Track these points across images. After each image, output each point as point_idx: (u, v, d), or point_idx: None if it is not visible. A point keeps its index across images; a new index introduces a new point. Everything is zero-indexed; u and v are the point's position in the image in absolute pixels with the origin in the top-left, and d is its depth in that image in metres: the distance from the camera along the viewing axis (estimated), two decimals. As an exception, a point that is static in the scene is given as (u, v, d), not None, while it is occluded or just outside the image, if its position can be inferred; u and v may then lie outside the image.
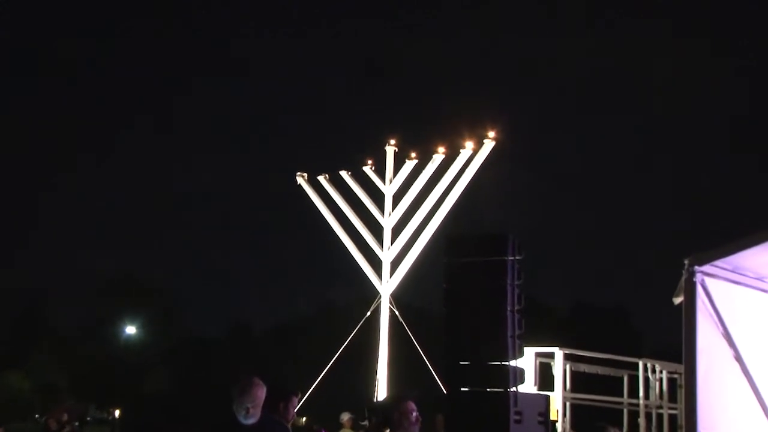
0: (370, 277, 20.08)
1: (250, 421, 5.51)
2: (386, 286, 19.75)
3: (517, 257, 10.75)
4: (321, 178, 21.23)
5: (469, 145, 19.24)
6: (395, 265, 19.86)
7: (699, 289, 7.53)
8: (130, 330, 44.63)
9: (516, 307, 9.84)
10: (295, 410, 6.44)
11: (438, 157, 19.73)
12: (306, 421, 28.99)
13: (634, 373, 15.32)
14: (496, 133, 19.04)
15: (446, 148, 19.70)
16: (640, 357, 15.84)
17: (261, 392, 5.54)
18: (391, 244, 19.92)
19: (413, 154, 20.12)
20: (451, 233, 18.69)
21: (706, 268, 7.59)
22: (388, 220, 20.10)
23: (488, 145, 19.03)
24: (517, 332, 9.49)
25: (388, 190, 20.25)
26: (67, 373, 45.31)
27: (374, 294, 19.88)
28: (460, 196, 19.37)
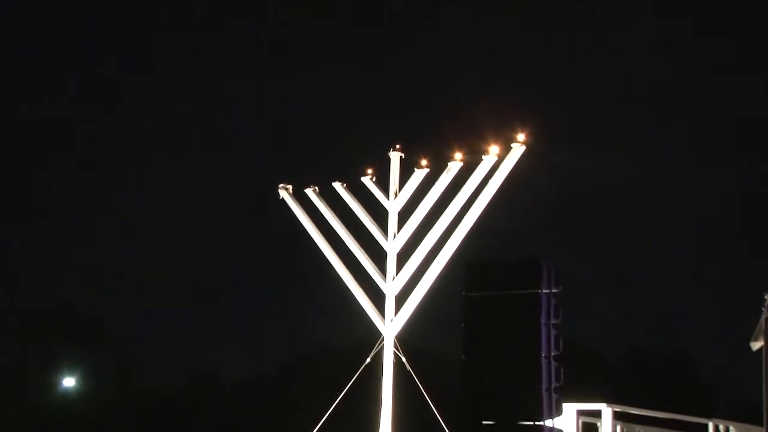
0: (370, 315, 20.15)
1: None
2: (390, 326, 19.80)
3: (553, 290, 10.89)
4: (309, 191, 21.42)
5: (493, 150, 19.35)
6: (401, 299, 19.91)
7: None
8: (68, 382, 44.56)
9: (552, 353, 9.97)
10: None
11: (454, 166, 19.89)
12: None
13: (702, 436, 15.35)
14: (527, 135, 19.13)
15: (464, 153, 19.85)
16: (709, 417, 15.90)
17: None
18: (397, 273, 20.00)
19: (424, 162, 20.30)
20: (471, 260, 18.79)
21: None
22: (392, 244, 20.22)
23: (517, 150, 19.11)
24: (554, 384, 9.61)
25: (393, 205, 20.41)
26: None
27: (375, 335, 19.92)
28: (482, 214, 19.42)
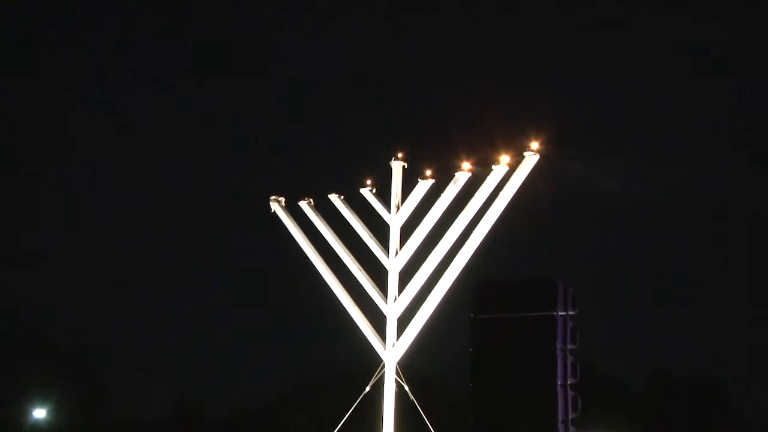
0: (369, 339, 20.18)
1: None
2: (391, 351, 19.81)
3: (570, 312, 10.93)
4: (303, 204, 21.50)
5: (504, 160, 19.41)
6: (404, 322, 19.93)
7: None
8: (39, 413, 44.46)
9: (569, 381, 10.02)
10: None
11: (462, 176, 19.95)
12: None
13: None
14: (541, 144, 19.17)
15: (473, 163, 19.92)
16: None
17: None
18: (399, 293, 20.03)
19: (428, 172, 20.37)
20: (481, 280, 18.81)
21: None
22: (394, 261, 20.26)
23: (530, 159, 19.13)
24: (571, 415, 9.66)
25: (395, 220, 20.48)
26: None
27: (375, 361, 19.94)
28: (492, 229, 19.43)
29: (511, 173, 19.31)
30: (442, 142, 20.90)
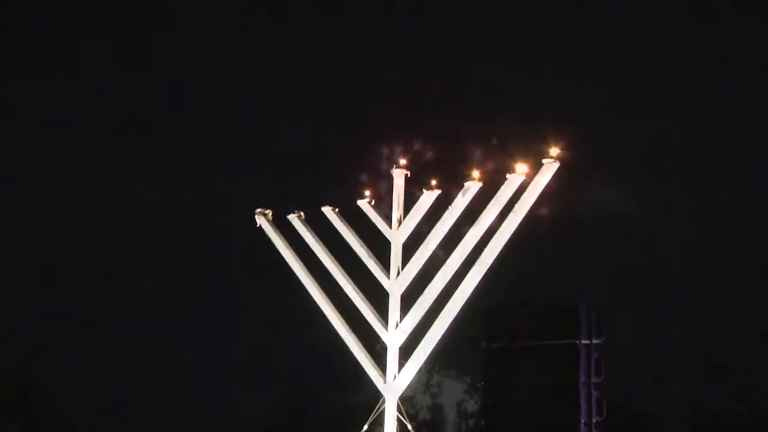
0: (367, 371, 20.11)
1: None
2: (392, 384, 19.74)
3: (594, 341, 10.92)
4: (293, 218, 21.44)
5: (520, 169, 19.32)
6: (407, 352, 19.84)
7: None
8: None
9: (594, 419, 10.00)
10: None
11: (472, 186, 19.90)
12: None
13: None
14: (562, 149, 19.12)
15: (483, 171, 19.86)
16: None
17: None
18: (401, 319, 19.94)
19: (433, 182, 20.34)
20: (493, 305, 18.72)
21: None
22: (394, 283, 20.20)
23: (550, 167, 19.03)
24: (594, 458, 9.64)
25: (396, 236, 20.43)
26: None
27: (375, 396, 19.90)
28: (506, 247, 19.32)
29: (528, 183, 19.20)
30: (449, 148, 20.80)
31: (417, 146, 20.53)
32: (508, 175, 19.42)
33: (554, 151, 18.91)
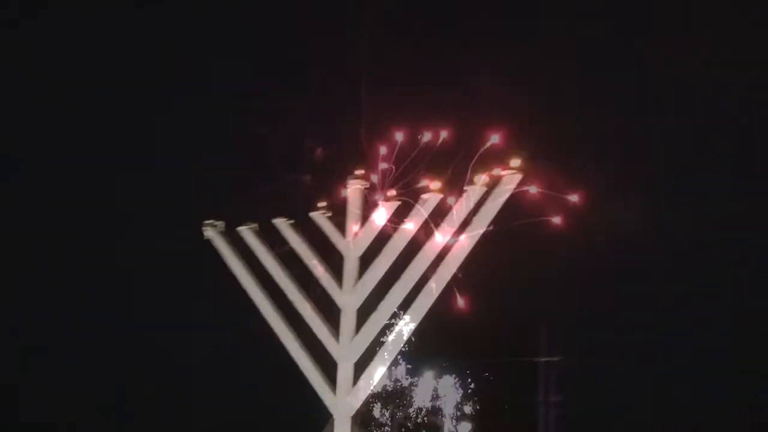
0: (316, 388, 19.93)
1: None
2: (343, 402, 19.59)
3: (554, 359, 10.82)
4: (244, 230, 21.19)
5: (480, 180, 19.28)
6: (360, 368, 19.76)
7: None
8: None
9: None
10: None
11: (431, 198, 19.74)
12: None
13: None
14: (525, 160, 19.03)
15: (444, 183, 19.67)
16: None
17: None
18: (355, 334, 19.84)
19: (392, 193, 20.10)
20: (451, 320, 18.59)
21: None
22: (349, 298, 20.06)
23: (510, 179, 19.02)
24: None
25: (351, 249, 20.32)
26: None
27: (323, 415, 19.72)
28: (465, 260, 19.29)
29: (488, 195, 19.22)
30: (409, 158, 20.69)
31: (375, 155, 20.38)
32: (466, 187, 19.32)
33: (515, 161, 18.87)
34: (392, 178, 20.21)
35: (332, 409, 19.67)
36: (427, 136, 19.43)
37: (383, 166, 19.89)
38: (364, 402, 19.52)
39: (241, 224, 21.41)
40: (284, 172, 20.81)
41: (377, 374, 19.55)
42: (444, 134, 19.38)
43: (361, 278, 20.13)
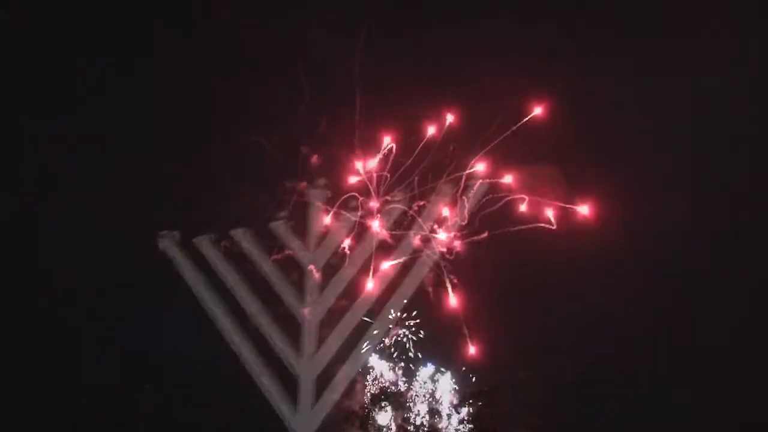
0: (275, 405, 19.69)
1: None
2: (305, 418, 19.41)
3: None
4: (201, 240, 20.79)
5: (445, 191, 19.31)
6: (322, 384, 19.65)
7: None
8: None
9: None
10: None
11: (395, 211, 19.69)
12: None
13: None
14: (491, 165, 19.03)
15: (407, 195, 19.63)
16: None
17: None
18: (317, 349, 19.71)
19: (356, 203, 19.86)
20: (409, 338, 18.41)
21: None
22: (310, 311, 19.86)
23: (479, 189, 19.04)
24: None
25: (313, 260, 20.16)
26: None
27: (281, 428, 19.55)
28: (427, 279, 19.32)
29: (452, 205, 19.24)
30: (370, 170, 20.54)
31: (337, 168, 20.26)
32: (432, 198, 19.36)
33: (481, 165, 18.89)
34: (355, 191, 20.09)
35: (292, 426, 19.49)
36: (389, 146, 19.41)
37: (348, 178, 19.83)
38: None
39: (198, 234, 21.05)
40: (245, 182, 20.56)
41: (339, 391, 19.47)
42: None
43: (322, 291, 19.96)
